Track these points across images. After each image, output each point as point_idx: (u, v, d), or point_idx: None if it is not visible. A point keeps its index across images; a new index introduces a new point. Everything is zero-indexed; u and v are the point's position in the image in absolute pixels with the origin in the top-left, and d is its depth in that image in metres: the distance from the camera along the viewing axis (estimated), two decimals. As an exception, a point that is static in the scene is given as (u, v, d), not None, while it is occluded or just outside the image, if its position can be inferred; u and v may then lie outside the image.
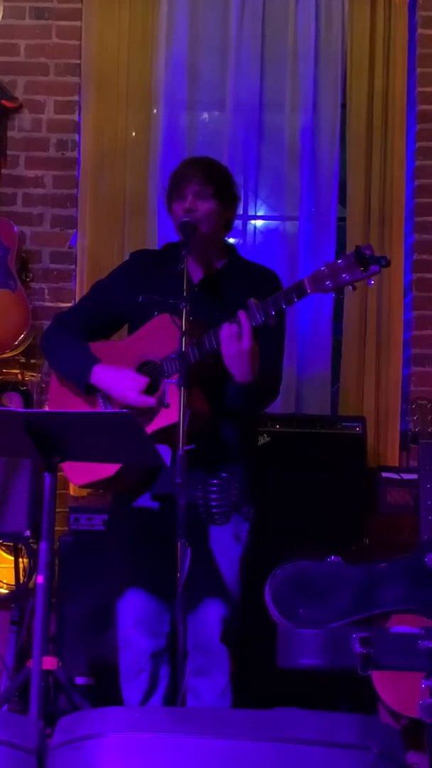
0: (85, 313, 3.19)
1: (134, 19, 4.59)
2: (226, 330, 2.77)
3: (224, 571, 2.99)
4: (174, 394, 2.77)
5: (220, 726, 1.56)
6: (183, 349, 2.73)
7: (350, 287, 2.70)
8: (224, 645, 2.95)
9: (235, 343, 2.76)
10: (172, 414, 2.78)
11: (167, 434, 2.78)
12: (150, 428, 2.86)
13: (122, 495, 3.12)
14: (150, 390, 2.93)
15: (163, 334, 2.87)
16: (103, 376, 2.99)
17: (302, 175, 4.57)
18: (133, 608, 2.99)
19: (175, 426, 2.68)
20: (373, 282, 2.72)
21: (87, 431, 2.66)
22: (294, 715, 1.60)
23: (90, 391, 3.03)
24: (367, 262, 2.63)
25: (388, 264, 2.66)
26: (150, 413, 2.90)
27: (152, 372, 2.95)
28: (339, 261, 2.68)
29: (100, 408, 3.03)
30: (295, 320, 4.44)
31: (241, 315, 2.75)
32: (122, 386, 2.95)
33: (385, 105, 4.54)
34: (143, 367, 2.98)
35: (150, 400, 2.90)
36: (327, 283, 2.68)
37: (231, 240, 4.55)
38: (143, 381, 2.93)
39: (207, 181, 3.01)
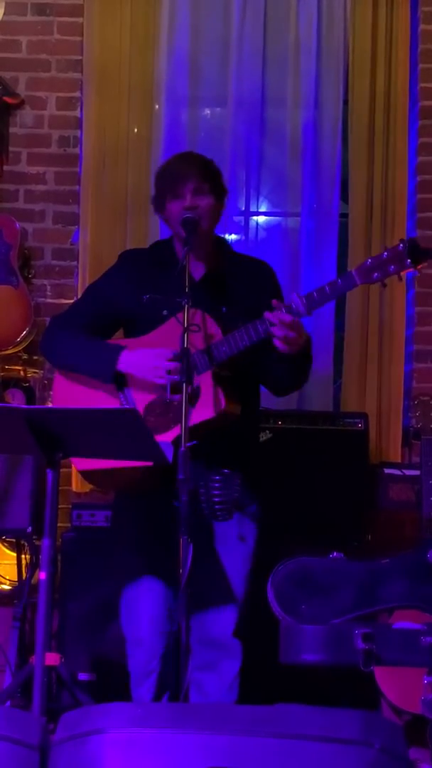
0: (83, 315, 3.15)
1: (136, 15, 4.59)
2: (273, 318, 2.80)
3: (229, 568, 2.99)
4: (206, 388, 2.79)
5: (222, 722, 1.56)
6: (185, 345, 2.73)
7: (398, 278, 2.81)
8: (237, 639, 2.96)
9: (289, 332, 2.81)
10: (206, 410, 2.80)
11: (201, 430, 2.78)
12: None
13: (125, 491, 3.11)
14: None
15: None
16: (131, 359, 2.96)
17: (304, 171, 4.57)
18: (147, 607, 2.98)
19: (209, 422, 2.74)
20: (418, 273, 2.83)
21: (89, 427, 2.66)
22: (296, 711, 1.60)
23: (116, 380, 2.99)
24: (418, 254, 2.73)
25: None
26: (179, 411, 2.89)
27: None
28: (385, 253, 2.78)
29: (119, 404, 3.01)
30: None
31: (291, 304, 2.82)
32: (151, 358, 2.92)
33: (387, 101, 4.54)
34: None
35: (175, 365, 2.87)
36: (375, 275, 2.78)
37: (233, 236, 4.58)
38: (171, 355, 2.90)
39: (204, 178, 3.02)
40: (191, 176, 3.00)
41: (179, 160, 3.18)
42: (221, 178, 3.11)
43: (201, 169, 3.04)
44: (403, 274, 2.78)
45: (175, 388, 2.81)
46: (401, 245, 2.75)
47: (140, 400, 2.98)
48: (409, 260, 2.72)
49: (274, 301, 2.84)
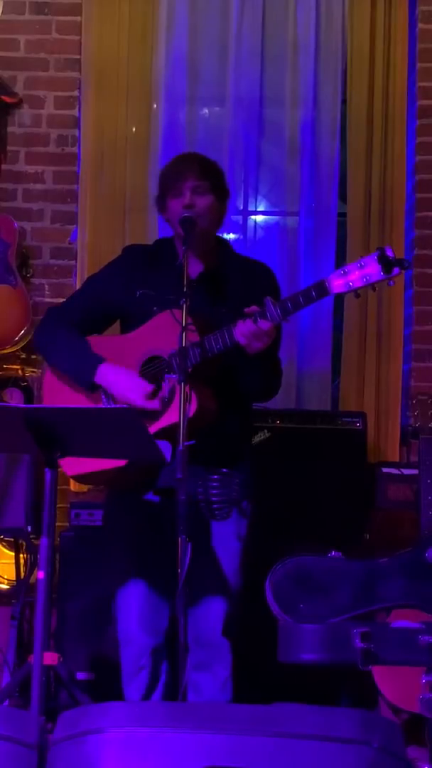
0: (79, 309, 3.15)
1: (134, 14, 4.59)
2: (242, 328, 2.77)
3: (225, 566, 2.99)
4: (179, 390, 2.77)
5: (221, 721, 1.56)
6: (183, 344, 2.73)
7: (371, 288, 2.73)
8: (226, 638, 2.96)
9: (254, 341, 2.78)
10: (175, 413, 2.78)
11: (171, 433, 2.78)
12: (154, 427, 2.86)
13: (118, 489, 3.11)
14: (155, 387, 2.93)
15: (170, 330, 2.85)
16: (108, 377, 2.96)
17: (302, 170, 4.57)
18: (135, 605, 3.00)
19: (178, 424, 2.69)
20: (393, 283, 2.74)
21: (88, 427, 2.66)
22: (294, 710, 1.60)
23: (94, 389, 3.01)
24: (389, 263, 2.67)
25: (409, 266, 2.68)
26: (155, 413, 2.90)
27: (158, 367, 2.94)
28: (360, 262, 2.72)
29: (102, 403, 3.02)
30: (296, 316, 4.42)
31: (257, 312, 2.78)
32: (128, 390, 2.92)
33: (385, 100, 4.54)
34: (149, 363, 2.97)
35: (154, 404, 2.89)
36: (349, 284, 2.71)
37: (231, 235, 4.58)
38: (149, 388, 2.91)
39: (203, 176, 3.03)
40: (190, 174, 3.01)
41: (180, 159, 3.19)
42: (223, 179, 3.10)
43: (200, 168, 3.05)
44: (377, 284, 2.71)
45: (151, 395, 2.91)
46: (375, 255, 2.69)
47: (119, 401, 2.99)
48: (382, 270, 2.67)
49: (249, 309, 2.81)
